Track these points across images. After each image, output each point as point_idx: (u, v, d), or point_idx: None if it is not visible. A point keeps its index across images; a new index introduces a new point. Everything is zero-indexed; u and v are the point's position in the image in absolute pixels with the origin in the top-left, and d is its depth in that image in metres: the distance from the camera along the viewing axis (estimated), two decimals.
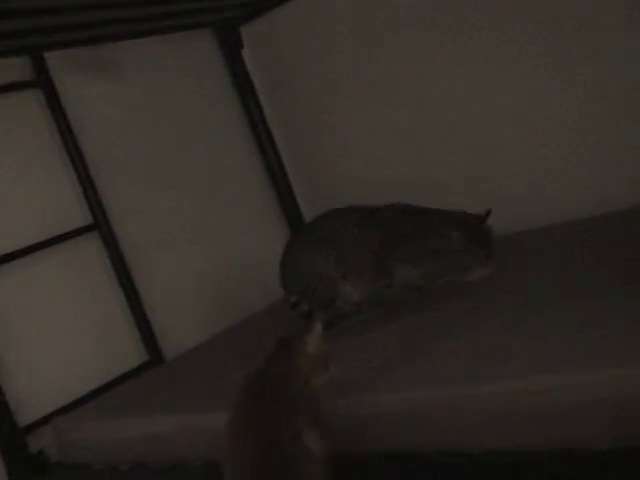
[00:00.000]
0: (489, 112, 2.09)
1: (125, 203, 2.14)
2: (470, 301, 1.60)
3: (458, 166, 2.19)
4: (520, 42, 2.00)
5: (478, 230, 1.62)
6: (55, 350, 1.92)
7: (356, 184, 2.35)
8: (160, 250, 2.17)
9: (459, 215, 1.65)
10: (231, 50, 2.43)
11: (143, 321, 2.06)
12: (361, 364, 1.40)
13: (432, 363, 1.32)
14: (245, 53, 2.45)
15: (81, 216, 2.04)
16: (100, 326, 2.02)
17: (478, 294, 1.63)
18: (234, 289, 2.26)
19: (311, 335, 1.26)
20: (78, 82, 2.09)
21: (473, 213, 1.67)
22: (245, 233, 2.36)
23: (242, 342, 1.93)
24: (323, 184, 2.45)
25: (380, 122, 2.28)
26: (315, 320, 1.28)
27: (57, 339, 1.94)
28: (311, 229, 1.76)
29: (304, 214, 2.47)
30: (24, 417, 1.82)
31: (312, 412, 1.17)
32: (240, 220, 2.37)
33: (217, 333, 2.12)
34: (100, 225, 2.04)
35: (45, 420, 1.83)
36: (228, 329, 2.13)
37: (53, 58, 2.03)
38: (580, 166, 2.00)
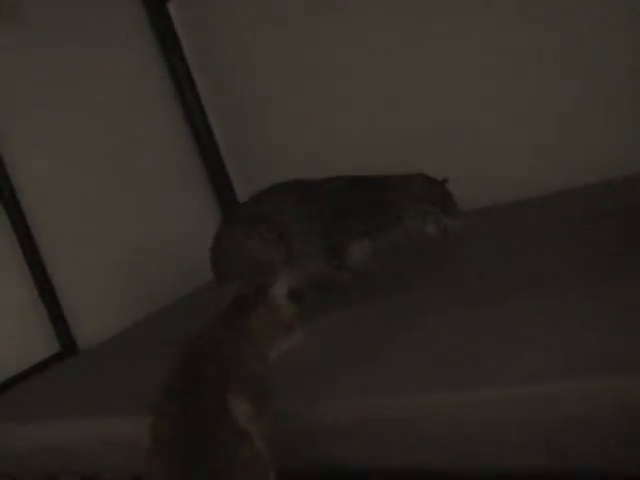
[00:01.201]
0: (440, 74, 1.93)
1: (34, 173, 1.89)
2: (429, 289, 1.44)
3: (410, 135, 2.01)
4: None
5: (435, 188, 1.50)
6: None
7: (295, 154, 2.17)
8: (74, 227, 1.94)
9: (413, 177, 1.53)
10: (155, 3, 2.18)
11: (54, 307, 1.84)
12: (302, 365, 1.20)
13: (387, 365, 1.15)
14: (171, 7, 2.21)
15: None
16: (3, 312, 1.79)
17: (438, 279, 1.48)
18: (158, 271, 2.06)
19: (275, 291, 1.08)
20: None
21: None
22: (171, 210, 2.15)
23: (167, 330, 1.75)
24: (258, 155, 2.26)
25: (320, 87, 2.10)
26: (279, 278, 1.11)
27: None
28: (246, 209, 1.59)
29: (236, 189, 2.27)
30: None
31: (252, 383, 1.00)
32: (165, 195, 2.15)
33: (139, 320, 1.93)
34: (5, 197, 1.81)
35: None
36: (151, 315, 1.94)
37: None
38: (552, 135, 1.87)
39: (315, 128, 2.12)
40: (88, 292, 1.92)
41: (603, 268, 1.23)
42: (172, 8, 2.21)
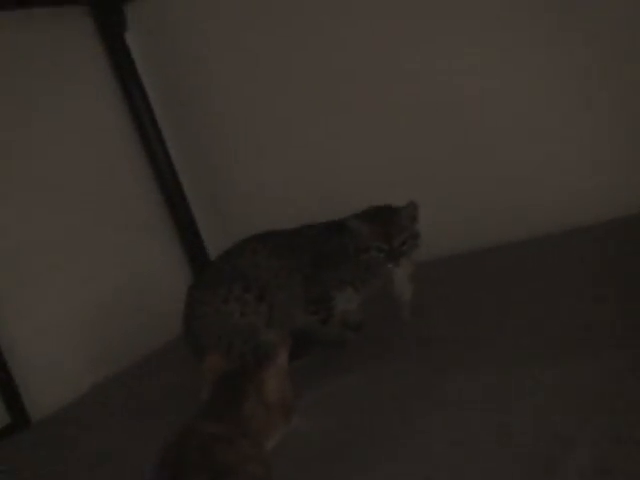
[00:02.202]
0: (435, 104, 1.76)
1: None
2: (426, 347, 1.31)
3: (384, 176, 1.86)
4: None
5: (381, 225, 1.37)
6: None
7: (264, 197, 2.01)
8: (25, 280, 1.75)
9: (363, 216, 1.41)
10: (112, 33, 2.02)
11: (1, 373, 1.65)
12: (302, 458, 1.04)
13: (396, 463, 0.99)
14: (129, 37, 2.04)
15: None
16: None
17: (431, 333, 1.36)
18: (119, 329, 1.86)
19: (271, 370, 0.90)
20: None
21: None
22: (133, 263, 1.96)
23: (132, 394, 1.61)
24: (225, 199, 2.09)
25: (289, 119, 1.93)
26: (280, 346, 0.92)
27: None
28: (218, 267, 1.45)
29: (205, 237, 2.09)
30: None
31: None
32: (127, 247, 1.96)
33: (99, 383, 1.75)
34: None
35: None
36: (113, 377, 1.76)
37: None
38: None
39: (287, 168, 1.96)
40: (40, 354, 1.73)
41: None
42: (130, 38, 2.04)
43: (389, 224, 1.35)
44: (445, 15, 1.68)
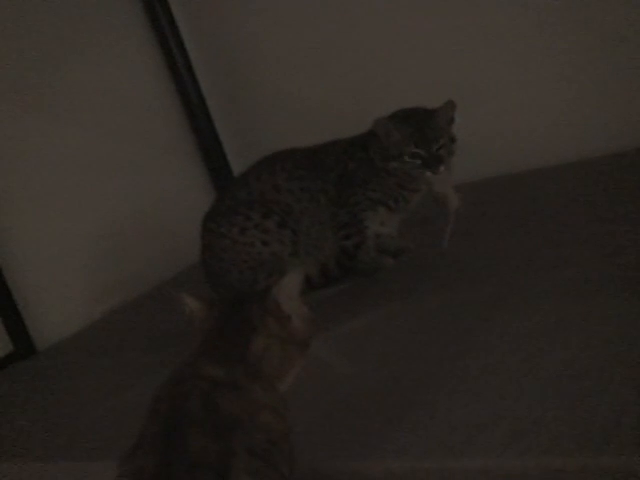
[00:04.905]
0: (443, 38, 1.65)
1: None
2: (467, 280, 1.18)
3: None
4: None
5: (418, 125, 1.22)
6: None
7: (289, 115, 1.86)
8: (33, 199, 1.63)
9: (398, 114, 1.26)
10: None
11: (4, 299, 1.54)
12: (324, 402, 0.92)
13: (435, 411, 0.86)
14: None
15: None
16: None
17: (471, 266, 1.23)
18: (133, 253, 1.74)
19: (281, 291, 0.78)
20: None
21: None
22: (149, 177, 1.82)
23: (146, 324, 1.52)
24: (250, 115, 1.95)
25: (315, 45, 1.80)
26: (289, 270, 0.85)
27: None
28: (234, 194, 1.32)
29: (226, 148, 1.95)
30: None
31: (264, 452, 0.69)
32: (142, 161, 1.82)
33: (111, 311, 1.65)
34: None
35: None
36: (127, 305, 1.66)
37: None
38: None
39: (311, 89, 1.82)
40: (48, 280, 1.62)
41: None
42: None
43: (425, 125, 1.20)
44: None
